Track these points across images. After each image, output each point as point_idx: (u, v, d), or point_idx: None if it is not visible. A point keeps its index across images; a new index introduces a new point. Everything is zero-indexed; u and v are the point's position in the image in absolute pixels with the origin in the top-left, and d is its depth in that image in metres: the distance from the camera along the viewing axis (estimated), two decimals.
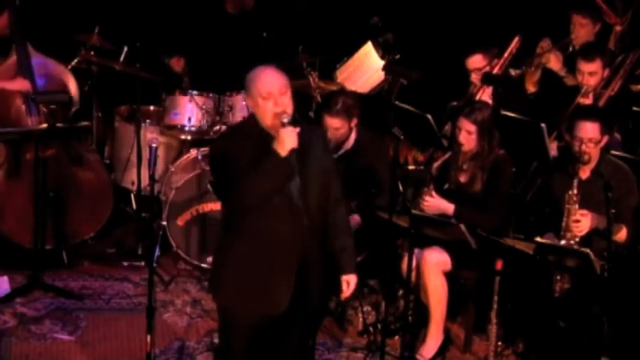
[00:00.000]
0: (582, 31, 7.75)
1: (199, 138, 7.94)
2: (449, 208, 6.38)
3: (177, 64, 8.32)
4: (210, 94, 7.90)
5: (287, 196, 5.00)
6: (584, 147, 6.10)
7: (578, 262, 5.78)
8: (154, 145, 5.54)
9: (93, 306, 6.98)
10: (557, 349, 6.09)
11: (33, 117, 7.25)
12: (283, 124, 4.93)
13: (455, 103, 7.41)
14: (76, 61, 8.08)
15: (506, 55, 7.52)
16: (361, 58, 8.63)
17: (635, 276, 6.15)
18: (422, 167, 7.22)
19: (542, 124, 6.71)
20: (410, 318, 6.38)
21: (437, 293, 6.40)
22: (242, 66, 8.18)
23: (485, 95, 7.36)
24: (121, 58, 8.04)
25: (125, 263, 7.56)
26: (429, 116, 6.97)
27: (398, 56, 8.37)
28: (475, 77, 7.45)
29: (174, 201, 7.42)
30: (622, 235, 6.09)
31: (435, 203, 6.40)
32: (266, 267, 5.04)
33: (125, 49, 8.06)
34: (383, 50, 8.47)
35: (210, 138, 7.81)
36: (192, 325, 6.76)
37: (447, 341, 6.60)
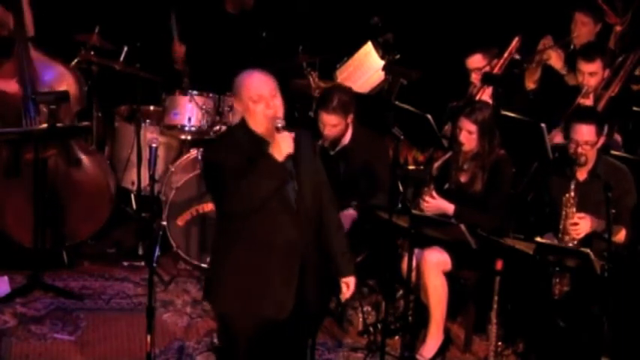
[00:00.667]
0: (584, 29, 7.75)
1: (199, 138, 7.94)
2: (449, 208, 6.38)
3: (178, 49, 8.29)
4: (210, 94, 7.90)
5: (284, 199, 4.99)
6: (580, 149, 6.10)
7: (579, 262, 5.78)
8: (154, 145, 5.54)
9: (93, 306, 6.98)
10: (557, 349, 6.09)
11: (29, 118, 7.23)
12: (278, 129, 4.92)
13: (455, 104, 7.41)
14: (76, 61, 8.08)
15: (506, 55, 7.52)
16: (361, 58, 8.63)
17: (635, 276, 6.15)
18: (422, 167, 7.24)
19: (543, 124, 6.72)
20: (410, 318, 6.38)
21: (437, 293, 6.40)
22: (242, 66, 8.25)
23: (486, 95, 7.35)
24: (121, 58, 8.04)
25: (125, 263, 7.56)
26: (429, 116, 6.97)
27: (398, 56, 8.36)
28: (475, 77, 7.45)
29: (175, 201, 7.42)
30: (621, 236, 6.10)
31: (436, 203, 6.40)
32: (266, 272, 5.02)
33: (125, 49, 8.06)
34: (383, 50, 8.47)
35: (210, 138, 7.81)
36: (192, 325, 6.76)
37: (447, 341, 6.60)
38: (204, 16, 8.36)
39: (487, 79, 7.33)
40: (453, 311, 6.69)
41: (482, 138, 6.42)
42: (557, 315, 6.02)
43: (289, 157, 4.94)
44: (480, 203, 6.37)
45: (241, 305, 5.05)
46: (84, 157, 7.51)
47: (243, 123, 5.05)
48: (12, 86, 7.24)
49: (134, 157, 7.75)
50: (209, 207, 7.35)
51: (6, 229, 7.35)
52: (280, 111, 4.97)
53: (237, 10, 8.40)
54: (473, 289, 6.52)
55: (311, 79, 8.30)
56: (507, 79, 7.59)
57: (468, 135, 6.41)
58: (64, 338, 6.53)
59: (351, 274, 5.26)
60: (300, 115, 8.40)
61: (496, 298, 5.99)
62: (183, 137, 7.99)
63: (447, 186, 6.51)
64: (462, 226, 6.03)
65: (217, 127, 7.77)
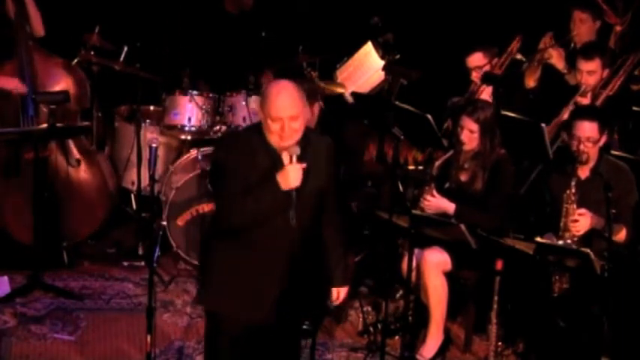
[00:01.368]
0: (583, 27, 7.75)
1: (199, 138, 7.94)
2: (450, 207, 6.38)
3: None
4: (210, 94, 7.89)
5: (293, 205, 4.94)
6: (582, 146, 6.11)
7: (579, 262, 5.78)
8: (154, 145, 5.54)
9: (93, 306, 6.98)
10: (557, 349, 6.09)
11: (28, 118, 7.23)
12: (291, 159, 4.87)
13: (455, 100, 7.40)
14: (76, 61, 8.08)
15: (506, 54, 7.52)
16: (361, 58, 8.62)
17: (635, 276, 6.15)
18: (421, 167, 7.24)
19: (543, 124, 6.71)
20: (410, 318, 6.38)
21: (437, 293, 6.40)
22: (242, 66, 8.27)
23: (485, 94, 7.35)
24: (121, 58, 8.03)
25: (125, 263, 7.56)
26: (429, 116, 6.97)
27: (398, 56, 8.36)
28: (475, 76, 7.45)
29: (175, 201, 7.42)
30: (621, 235, 6.09)
31: (436, 202, 6.40)
32: (254, 275, 5.01)
33: (125, 49, 8.06)
34: (383, 50, 8.46)
35: (210, 138, 7.81)
36: (192, 325, 6.75)
37: (447, 341, 6.60)
38: (204, 16, 8.36)
39: (487, 78, 7.33)
40: (453, 311, 6.69)
41: (483, 137, 6.41)
42: (557, 315, 6.02)
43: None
44: (480, 202, 6.37)
45: (228, 307, 5.04)
46: (84, 157, 7.51)
47: (260, 127, 4.98)
48: (15, 84, 7.23)
49: (134, 157, 7.75)
50: (209, 207, 7.35)
51: (6, 228, 7.35)
52: (298, 133, 4.88)
53: (236, 10, 8.40)
54: (473, 289, 6.52)
55: None
56: (508, 78, 7.59)
57: (470, 134, 6.41)
58: (64, 338, 6.53)
59: (344, 284, 5.26)
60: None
61: (496, 298, 5.99)
62: (183, 137, 7.99)
63: (447, 185, 6.51)
64: (462, 226, 6.03)
65: (217, 127, 7.77)
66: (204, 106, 7.83)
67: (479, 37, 7.91)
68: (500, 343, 6.37)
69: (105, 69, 8.16)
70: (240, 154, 4.94)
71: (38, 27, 7.37)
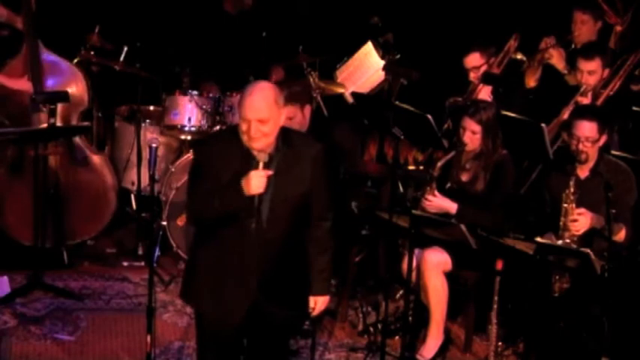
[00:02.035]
0: (583, 28, 7.75)
1: (199, 138, 7.93)
2: (451, 207, 6.38)
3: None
4: (211, 94, 7.89)
5: (254, 210, 4.93)
6: (581, 146, 6.10)
7: (579, 262, 5.78)
8: (154, 145, 5.54)
9: (93, 306, 6.98)
10: (557, 349, 6.09)
11: (38, 115, 7.24)
12: (257, 165, 4.86)
13: (452, 100, 7.40)
14: (76, 61, 8.08)
15: (504, 53, 7.52)
16: (361, 58, 8.63)
17: (635, 276, 6.15)
18: (421, 167, 7.24)
19: (543, 124, 6.72)
20: (410, 318, 6.38)
21: (437, 293, 6.40)
22: (242, 66, 8.27)
23: (484, 94, 7.35)
24: (121, 58, 8.04)
25: (125, 263, 7.56)
26: (429, 116, 6.97)
27: (398, 56, 8.37)
28: (473, 76, 7.45)
29: (174, 201, 7.42)
30: (621, 235, 6.09)
31: (438, 202, 6.39)
32: (223, 274, 5.02)
33: (125, 49, 8.06)
34: (383, 50, 8.47)
35: (206, 137, 7.79)
36: (192, 325, 6.72)
37: (447, 341, 6.60)
38: (204, 16, 8.36)
39: (487, 78, 7.34)
40: (453, 311, 6.68)
41: (485, 138, 6.41)
42: (557, 315, 6.02)
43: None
44: (481, 203, 6.37)
45: (201, 302, 5.08)
46: (90, 156, 7.52)
47: (237, 130, 4.97)
48: (20, 84, 7.24)
49: (134, 157, 7.75)
50: None
51: (6, 227, 7.35)
52: (264, 138, 4.85)
53: (235, 10, 8.40)
54: (473, 289, 6.52)
55: (311, 80, 8.29)
56: (508, 78, 7.59)
57: (472, 135, 6.40)
58: (64, 338, 6.52)
59: (322, 293, 5.18)
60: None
61: (496, 298, 5.99)
62: (183, 137, 7.99)
63: (448, 185, 6.50)
64: (462, 226, 6.03)
65: (217, 127, 7.77)
66: (204, 106, 7.83)
67: (478, 37, 7.91)
68: (500, 343, 6.37)
69: (105, 69, 8.17)
70: (214, 154, 4.97)
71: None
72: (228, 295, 5.02)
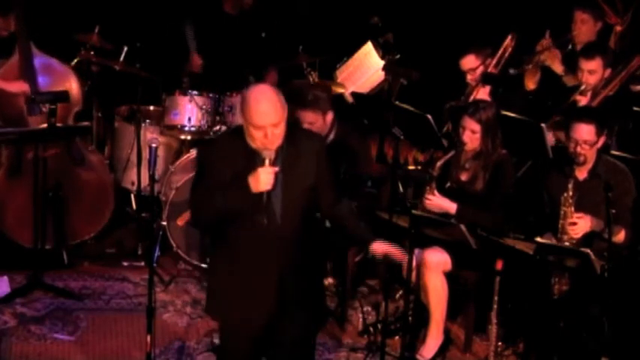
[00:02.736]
0: (583, 27, 7.74)
1: (199, 138, 7.94)
2: (451, 207, 6.38)
3: (197, 60, 8.26)
4: (210, 94, 7.89)
5: (263, 207, 4.95)
6: (579, 148, 6.10)
7: (578, 262, 5.78)
8: (154, 145, 5.54)
9: (93, 306, 6.98)
10: (557, 349, 6.09)
11: (34, 117, 7.24)
12: (263, 162, 4.89)
13: (449, 105, 7.40)
14: (76, 61, 8.08)
15: (499, 53, 7.52)
16: (361, 58, 8.63)
17: (635, 276, 6.15)
18: (421, 167, 7.24)
19: (543, 124, 6.72)
20: (410, 318, 6.38)
21: (437, 293, 6.40)
22: (242, 66, 8.28)
23: (482, 96, 7.33)
24: (121, 58, 8.04)
25: (125, 263, 7.56)
26: (429, 116, 6.97)
27: (398, 56, 8.37)
28: (470, 78, 7.45)
29: (175, 201, 7.42)
30: (620, 236, 6.09)
31: (438, 202, 6.39)
32: (244, 279, 5.04)
33: (125, 49, 8.07)
34: (383, 50, 8.47)
35: (210, 138, 7.81)
36: (192, 325, 6.75)
37: (447, 341, 6.60)
38: (203, 17, 8.36)
39: (487, 78, 7.33)
40: (453, 311, 6.68)
41: (485, 137, 6.41)
42: (557, 315, 6.02)
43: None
44: (481, 202, 6.37)
45: (228, 310, 5.10)
46: (88, 157, 7.51)
47: (242, 130, 4.99)
48: (17, 86, 7.23)
49: (134, 157, 7.75)
50: None
51: (6, 229, 7.35)
52: (280, 138, 4.90)
53: (235, 11, 8.40)
54: (473, 289, 6.52)
55: (311, 80, 8.30)
56: (506, 78, 7.59)
57: (472, 134, 6.40)
58: (64, 338, 6.52)
59: (371, 239, 5.25)
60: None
61: (496, 298, 5.99)
62: (183, 137, 7.99)
63: (448, 185, 6.50)
64: (462, 226, 6.03)
65: (217, 127, 7.77)
66: (204, 106, 7.83)
67: (478, 37, 7.91)
68: (500, 343, 6.37)
69: (105, 69, 8.17)
70: (218, 154, 4.99)
71: None
72: (252, 299, 5.04)
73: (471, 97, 7.32)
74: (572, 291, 6.00)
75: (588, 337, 5.92)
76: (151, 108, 8.27)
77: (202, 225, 5.09)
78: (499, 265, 5.93)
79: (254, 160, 4.93)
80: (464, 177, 6.52)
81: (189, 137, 7.95)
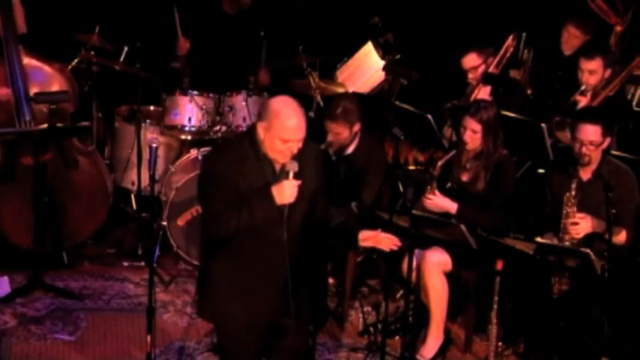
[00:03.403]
0: (575, 41, 7.79)
1: (199, 138, 7.94)
2: (452, 207, 6.38)
3: (184, 44, 8.26)
4: (210, 94, 7.89)
5: (284, 220, 4.97)
6: (584, 149, 6.10)
7: (579, 262, 5.78)
8: (154, 145, 5.54)
9: (93, 306, 6.98)
10: (557, 349, 6.09)
11: (24, 122, 7.19)
12: (287, 175, 4.91)
13: (449, 105, 7.40)
14: (76, 61, 8.08)
15: (501, 52, 7.52)
16: (361, 58, 8.63)
17: (635, 276, 6.15)
18: (422, 167, 7.24)
19: (543, 124, 6.72)
20: (410, 318, 6.38)
21: (437, 293, 6.40)
22: (242, 66, 8.27)
23: (482, 96, 7.34)
24: (121, 58, 8.04)
25: (125, 263, 7.56)
26: (429, 116, 6.97)
27: (398, 56, 8.37)
28: (471, 77, 7.45)
29: (175, 201, 7.42)
30: (621, 237, 6.09)
31: (438, 202, 6.39)
32: (250, 285, 5.04)
33: (125, 49, 8.06)
34: (383, 50, 8.47)
35: (211, 138, 7.81)
36: (192, 325, 6.75)
37: (448, 341, 6.60)
38: (202, 16, 8.35)
39: (487, 78, 7.33)
40: (453, 311, 6.68)
41: (486, 137, 6.41)
42: (557, 315, 6.02)
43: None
44: (482, 202, 6.37)
45: (226, 316, 5.10)
46: (80, 158, 7.49)
47: (252, 137, 4.98)
48: (5, 92, 7.19)
49: (134, 157, 7.75)
50: None
51: (4, 233, 7.33)
52: (297, 148, 4.94)
53: (234, 10, 8.39)
54: (473, 289, 6.52)
55: (311, 80, 8.30)
56: (507, 79, 7.59)
57: (472, 134, 6.40)
58: (64, 338, 6.52)
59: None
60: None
61: (496, 298, 5.99)
62: (183, 137, 7.99)
63: (448, 185, 6.50)
64: (463, 226, 6.03)
65: (217, 127, 7.76)
66: (204, 106, 7.83)
67: (478, 37, 7.92)
68: (500, 343, 6.37)
69: (105, 69, 8.17)
70: (230, 163, 4.96)
71: (20, 23, 7.32)
72: (255, 301, 5.05)
73: (472, 97, 7.32)
74: (572, 291, 6.00)
75: (588, 337, 5.92)
76: (151, 108, 8.27)
77: (219, 237, 5.04)
78: (499, 265, 5.93)
79: (267, 169, 4.95)
80: (465, 177, 6.51)
81: (189, 137, 7.95)
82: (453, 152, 6.53)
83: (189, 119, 7.83)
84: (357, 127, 6.77)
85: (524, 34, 7.79)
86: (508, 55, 7.56)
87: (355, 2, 9.05)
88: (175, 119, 7.88)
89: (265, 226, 4.95)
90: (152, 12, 8.50)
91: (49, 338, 6.52)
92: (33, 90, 7.20)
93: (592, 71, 7.03)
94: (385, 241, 5.24)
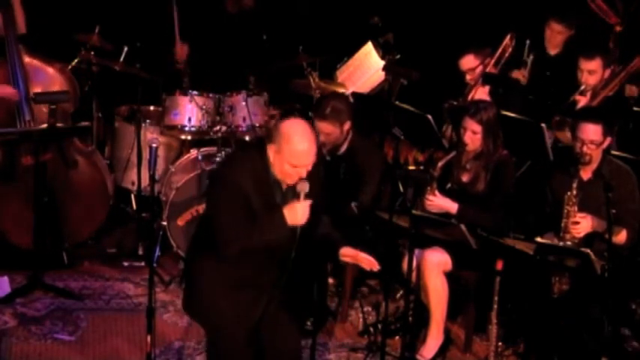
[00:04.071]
0: (558, 37, 7.79)
1: (199, 138, 7.94)
2: (452, 207, 6.38)
3: (181, 50, 8.27)
4: (210, 94, 7.89)
5: (295, 240, 5.00)
6: (585, 148, 6.10)
7: (579, 262, 5.78)
8: (154, 145, 5.54)
9: (93, 306, 6.98)
10: (557, 349, 6.09)
11: (24, 121, 7.20)
12: (299, 196, 4.93)
13: (447, 105, 7.40)
14: (76, 61, 8.08)
15: (498, 52, 7.52)
16: (361, 58, 8.63)
17: (635, 276, 6.15)
18: (422, 167, 7.23)
19: (543, 124, 6.72)
20: (410, 318, 6.38)
21: (437, 293, 6.40)
22: (242, 66, 8.27)
23: (480, 96, 7.34)
24: (121, 58, 8.04)
25: (125, 263, 7.56)
26: (429, 116, 6.97)
27: (398, 56, 8.37)
28: (469, 78, 7.46)
29: (175, 201, 7.42)
30: (622, 237, 6.09)
31: (439, 202, 6.39)
32: (242, 283, 5.09)
33: (125, 49, 8.06)
34: (383, 50, 8.47)
35: (211, 138, 7.81)
36: (192, 325, 6.74)
37: (448, 341, 6.60)
38: (204, 16, 8.36)
39: (487, 78, 7.34)
40: (453, 311, 6.68)
41: (486, 138, 6.41)
42: (557, 315, 6.02)
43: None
44: (482, 203, 6.37)
45: (220, 310, 5.12)
46: (80, 158, 7.49)
47: (263, 155, 4.99)
48: (9, 92, 7.20)
49: (134, 157, 7.75)
50: None
51: (4, 233, 7.33)
52: (307, 172, 4.96)
53: (236, 10, 8.40)
54: (473, 289, 6.52)
55: (311, 80, 8.30)
56: (506, 78, 7.60)
57: (473, 135, 6.40)
58: (64, 338, 6.52)
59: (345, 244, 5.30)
60: (299, 116, 8.39)
61: (496, 298, 5.99)
62: (183, 137, 7.99)
63: (448, 185, 6.50)
64: (462, 226, 6.03)
65: (217, 127, 7.75)
66: (204, 106, 7.83)
67: (478, 37, 7.92)
68: (500, 343, 6.37)
69: (105, 69, 8.17)
70: (245, 178, 4.96)
71: (20, 23, 7.32)
72: (247, 299, 5.09)
73: (469, 97, 7.32)
74: (572, 291, 6.00)
75: (588, 337, 5.92)
76: (151, 108, 8.27)
77: (225, 255, 5.05)
78: (499, 265, 5.93)
79: (276, 189, 4.99)
80: (465, 178, 6.51)
81: (189, 137, 7.96)
82: (452, 153, 6.53)
83: (189, 119, 7.83)
84: (347, 126, 6.74)
85: (527, 41, 7.78)
86: (506, 55, 7.56)
87: (355, 2, 9.05)
88: (175, 119, 7.88)
89: (275, 246, 4.98)
90: (152, 12, 8.49)
91: (49, 338, 6.52)
92: (35, 90, 7.21)
93: (592, 71, 7.03)
94: (365, 261, 5.27)
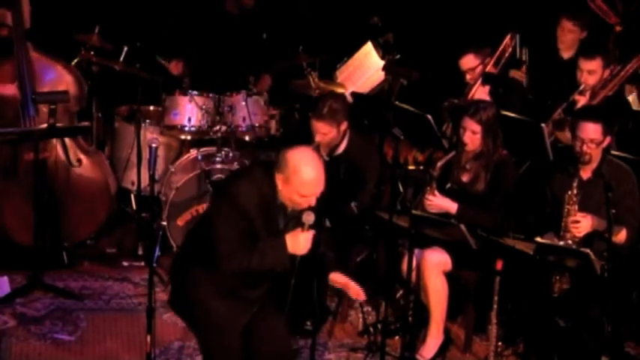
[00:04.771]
0: (570, 36, 7.75)
1: (199, 138, 7.94)
2: (452, 207, 6.38)
3: (175, 67, 8.30)
4: (210, 94, 7.89)
5: (294, 267, 5.02)
6: (585, 147, 6.10)
7: (579, 262, 5.78)
8: (154, 145, 5.54)
9: (93, 306, 6.98)
10: (557, 349, 6.09)
11: (29, 118, 7.21)
12: (303, 227, 4.94)
13: (447, 104, 7.40)
14: (76, 61, 8.08)
15: (498, 52, 7.52)
16: (361, 58, 8.63)
17: (635, 276, 6.15)
18: (422, 167, 7.23)
19: (543, 124, 6.72)
20: (410, 318, 6.38)
21: (437, 293, 6.40)
22: (242, 66, 8.28)
23: (480, 95, 7.33)
24: (121, 58, 8.04)
25: (125, 263, 7.56)
26: (429, 116, 6.97)
27: (398, 56, 8.37)
28: (469, 77, 7.45)
29: (175, 201, 7.43)
30: (621, 236, 6.09)
31: (438, 202, 6.39)
32: (233, 296, 5.13)
33: (125, 49, 8.07)
34: (383, 50, 8.47)
35: (210, 138, 7.81)
36: None
37: (447, 341, 6.60)
38: (204, 16, 8.36)
39: (487, 78, 7.33)
40: (453, 311, 6.68)
41: (486, 138, 6.41)
42: (557, 315, 6.02)
43: None
44: (481, 203, 6.37)
45: (215, 308, 5.15)
46: (83, 157, 7.50)
47: (272, 182, 4.99)
48: (9, 89, 7.22)
49: (134, 157, 7.75)
50: None
51: (6, 230, 7.34)
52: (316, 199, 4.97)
53: (236, 10, 8.40)
54: (473, 289, 6.52)
55: (311, 80, 8.30)
56: (506, 78, 7.59)
57: (472, 135, 6.40)
58: (64, 338, 6.52)
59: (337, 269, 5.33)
60: (300, 116, 8.41)
61: (496, 298, 5.99)
62: (183, 137, 7.99)
63: (448, 186, 6.50)
64: (462, 226, 6.03)
65: (217, 127, 7.76)
66: (204, 106, 7.83)
67: (478, 37, 7.92)
68: (500, 343, 6.37)
69: (105, 69, 8.17)
70: (253, 199, 4.96)
71: (26, 18, 7.32)
72: (235, 306, 5.12)
73: (469, 97, 7.32)
74: (572, 291, 6.00)
75: (588, 337, 5.92)
76: (151, 108, 8.27)
77: (229, 273, 5.07)
78: (499, 265, 5.93)
79: (280, 213, 5.01)
80: (465, 178, 6.51)
81: (189, 137, 7.96)
82: (452, 153, 6.53)
83: (189, 119, 7.83)
84: (344, 126, 6.74)
85: (517, 35, 7.76)
86: (506, 54, 7.56)
87: (355, 2, 9.05)
88: (175, 119, 7.89)
89: (273, 271, 5.01)
90: (152, 12, 8.51)
91: (48, 338, 6.52)
92: (44, 88, 7.23)
93: (591, 71, 7.02)
94: (353, 290, 5.30)
